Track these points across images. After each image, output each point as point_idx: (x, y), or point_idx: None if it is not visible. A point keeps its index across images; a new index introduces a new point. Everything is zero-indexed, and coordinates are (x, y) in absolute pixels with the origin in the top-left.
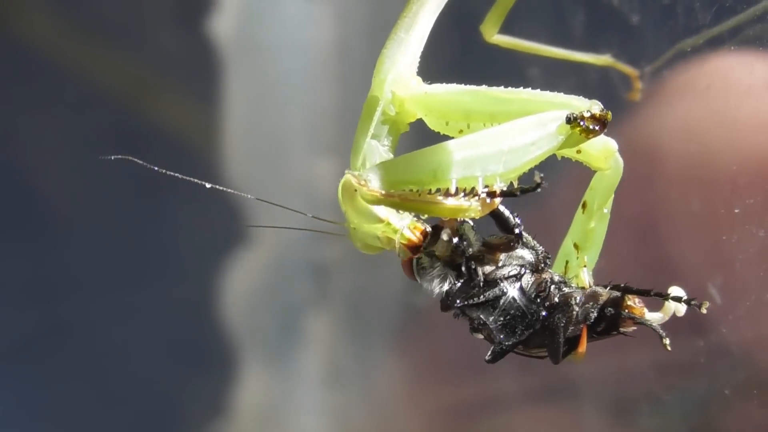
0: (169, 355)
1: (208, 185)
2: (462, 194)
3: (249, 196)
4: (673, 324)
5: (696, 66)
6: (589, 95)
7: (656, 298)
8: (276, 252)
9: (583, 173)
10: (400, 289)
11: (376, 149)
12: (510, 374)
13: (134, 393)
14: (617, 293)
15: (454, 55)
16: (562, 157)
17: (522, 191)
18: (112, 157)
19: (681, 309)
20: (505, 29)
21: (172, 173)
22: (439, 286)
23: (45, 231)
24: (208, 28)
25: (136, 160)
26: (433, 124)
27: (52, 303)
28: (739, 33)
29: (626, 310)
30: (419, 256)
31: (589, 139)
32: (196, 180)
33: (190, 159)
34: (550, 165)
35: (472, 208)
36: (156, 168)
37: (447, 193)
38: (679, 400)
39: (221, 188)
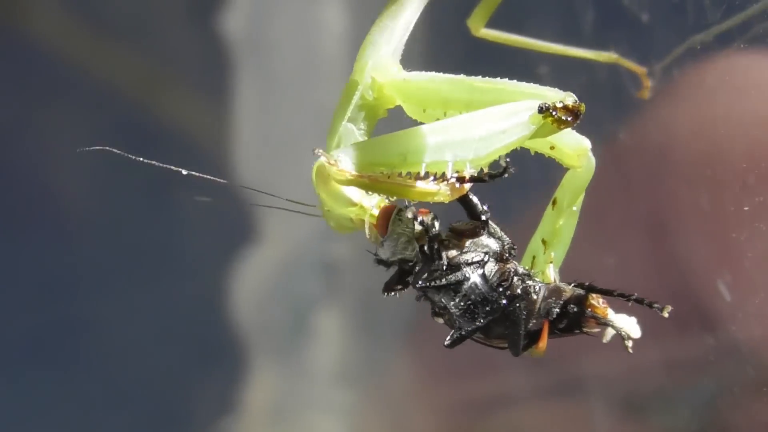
0: (180, 353)
1: (185, 172)
2: (432, 178)
3: (224, 181)
4: (683, 321)
5: (705, 64)
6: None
7: (621, 299)
8: (286, 249)
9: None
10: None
11: (352, 132)
12: (520, 371)
13: (145, 390)
14: (581, 291)
15: (462, 51)
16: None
17: (491, 177)
18: (89, 149)
19: (635, 331)
20: (513, 27)
21: (150, 161)
22: (402, 251)
23: (54, 229)
24: (218, 26)
25: (114, 150)
26: (410, 111)
27: (62, 302)
28: (749, 30)
29: (589, 309)
30: (400, 209)
31: (561, 129)
32: (194, 173)
33: (199, 155)
34: (546, 163)
35: (441, 192)
36: (140, 159)
37: (417, 177)
38: (689, 397)
39: (219, 180)
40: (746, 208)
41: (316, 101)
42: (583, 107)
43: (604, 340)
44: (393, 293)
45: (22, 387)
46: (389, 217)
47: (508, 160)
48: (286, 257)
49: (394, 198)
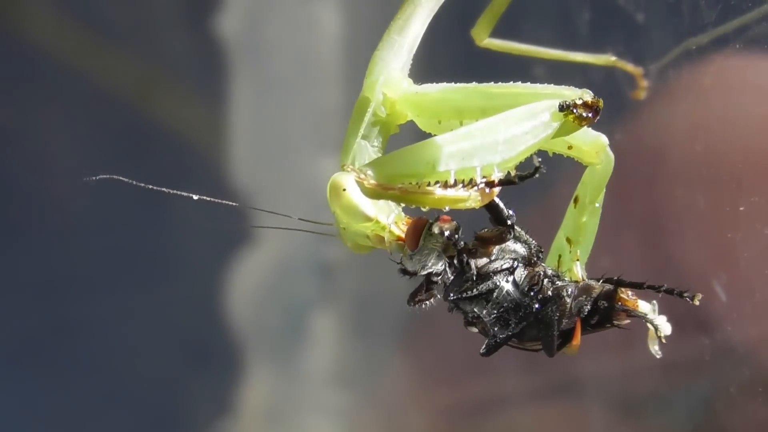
0: (176, 355)
1: (195, 197)
2: (461, 185)
3: (235, 204)
4: (678, 322)
5: (701, 65)
6: (594, 93)
7: (650, 290)
8: (282, 251)
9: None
10: (405, 288)
11: (366, 149)
12: (516, 373)
13: (140, 393)
14: (610, 286)
15: (457, 57)
16: (554, 154)
17: (520, 178)
18: (96, 178)
19: (666, 329)
20: (510, 29)
21: (158, 188)
22: (432, 265)
23: (51, 231)
24: (214, 28)
25: (122, 178)
26: (424, 125)
27: (58, 303)
28: (745, 32)
29: (619, 303)
30: (431, 223)
31: (583, 126)
32: (182, 193)
33: (196, 158)
34: (552, 163)
35: (471, 198)
36: (143, 184)
37: (446, 185)
38: (685, 398)
39: (208, 198)
40: (742, 209)
41: (312, 103)
42: (601, 102)
43: (653, 348)
44: (419, 304)
45: (18, 388)
46: (421, 232)
47: (540, 159)
48: (282, 259)
49: (426, 208)
